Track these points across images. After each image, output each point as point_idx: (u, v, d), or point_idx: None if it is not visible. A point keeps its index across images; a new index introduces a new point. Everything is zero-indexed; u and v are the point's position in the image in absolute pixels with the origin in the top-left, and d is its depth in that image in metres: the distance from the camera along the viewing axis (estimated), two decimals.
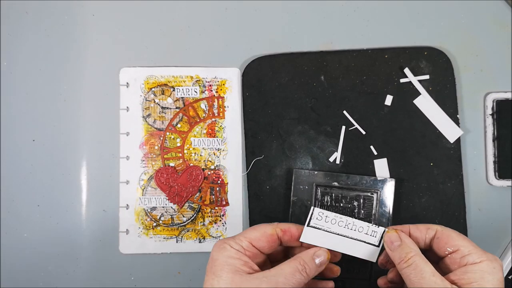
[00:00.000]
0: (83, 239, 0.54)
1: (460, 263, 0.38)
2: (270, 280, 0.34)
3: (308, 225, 0.41)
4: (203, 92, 0.54)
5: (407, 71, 0.53)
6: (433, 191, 0.53)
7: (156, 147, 0.54)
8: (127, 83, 0.54)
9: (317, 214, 0.41)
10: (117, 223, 0.53)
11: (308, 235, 0.41)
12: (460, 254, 0.38)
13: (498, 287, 0.36)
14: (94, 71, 0.54)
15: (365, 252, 0.41)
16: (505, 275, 0.52)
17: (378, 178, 0.52)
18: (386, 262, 0.43)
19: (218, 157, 0.54)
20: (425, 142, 0.53)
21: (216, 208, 0.53)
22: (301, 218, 0.52)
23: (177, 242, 0.53)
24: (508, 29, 0.54)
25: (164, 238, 0.53)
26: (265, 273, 0.35)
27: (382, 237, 0.41)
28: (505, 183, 0.53)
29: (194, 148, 0.54)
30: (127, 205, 0.53)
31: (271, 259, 0.43)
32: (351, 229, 0.41)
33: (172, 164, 0.54)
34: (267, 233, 0.38)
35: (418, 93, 0.53)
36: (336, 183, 0.52)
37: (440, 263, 0.40)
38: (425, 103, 0.53)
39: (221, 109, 0.54)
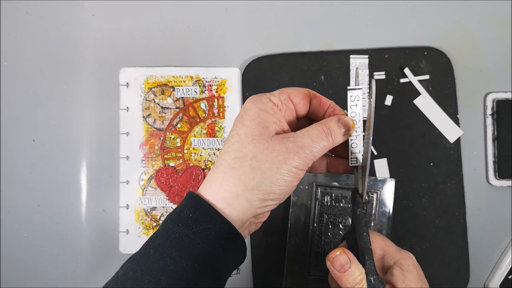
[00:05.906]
0: (83, 239, 0.54)
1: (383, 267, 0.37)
2: (296, 141, 0.33)
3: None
4: (203, 92, 0.54)
5: (407, 71, 0.53)
6: (433, 191, 0.53)
7: (156, 147, 0.54)
8: (127, 83, 0.54)
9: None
10: (117, 223, 0.53)
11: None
12: (377, 257, 0.37)
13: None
14: (94, 71, 0.54)
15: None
16: (505, 275, 0.52)
17: (378, 178, 0.52)
18: None
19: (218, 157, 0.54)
20: (425, 142, 0.53)
21: None
22: (301, 218, 0.52)
23: None
24: (508, 29, 0.54)
25: None
26: (291, 134, 0.34)
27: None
28: (505, 183, 0.53)
29: (194, 148, 0.54)
30: (127, 205, 0.53)
31: None
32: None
33: (172, 164, 0.54)
34: (302, 91, 0.37)
35: (418, 93, 0.53)
36: (336, 183, 0.52)
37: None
38: (425, 103, 0.53)
39: (221, 109, 0.54)
